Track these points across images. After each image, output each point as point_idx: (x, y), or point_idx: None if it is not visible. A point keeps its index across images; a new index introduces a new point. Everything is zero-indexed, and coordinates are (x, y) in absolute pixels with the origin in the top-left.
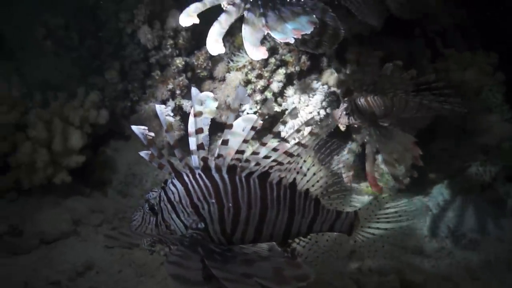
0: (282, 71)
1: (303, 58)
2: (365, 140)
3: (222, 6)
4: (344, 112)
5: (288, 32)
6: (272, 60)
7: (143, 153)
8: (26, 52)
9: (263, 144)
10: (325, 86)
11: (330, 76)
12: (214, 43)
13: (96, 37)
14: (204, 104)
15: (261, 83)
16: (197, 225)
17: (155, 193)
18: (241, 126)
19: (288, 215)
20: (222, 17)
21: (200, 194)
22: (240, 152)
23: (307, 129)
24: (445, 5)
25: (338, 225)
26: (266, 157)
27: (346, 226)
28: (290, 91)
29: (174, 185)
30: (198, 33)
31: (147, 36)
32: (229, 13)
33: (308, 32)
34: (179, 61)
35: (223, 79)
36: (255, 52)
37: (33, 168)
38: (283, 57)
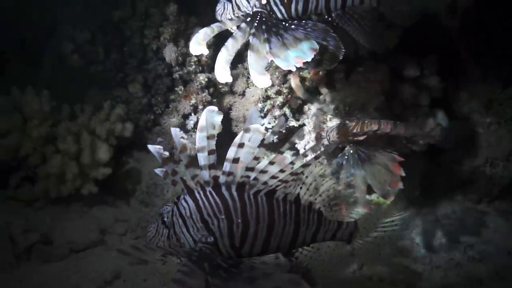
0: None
1: (321, 74)
2: (343, 164)
3: (230, 29)
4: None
5: (290, 60)
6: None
7: (158, 170)
8: (50, 62)
9: (272, 163)
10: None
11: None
12: (222, 71)
13: (120, 51)
14: (214, 122)
15: (280, 99)
16: (206, 239)
17: (169, 207)
18: (247, 137)
19: (293, 228)
20: (229, 43)
21: (210, 210)
22: (249, 169)
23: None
24: (450, 12)
25: (339, 234)
26: (273, 177)
27: (347, 235)
28: (307, 107)
29: (186, 201)
30: (220, 50)
31: (172, 54)
32: (235, 38)
33: (309, 59)
34: (202, 78)
35: (242, 94)
36: (260, 80)
37: (63, 179)
38: (300, 73)
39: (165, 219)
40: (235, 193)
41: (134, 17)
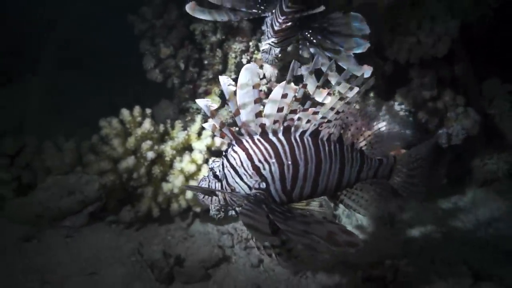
0: (371, 94)
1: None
2: None
3: None
4: None
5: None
6: None
7: (206, 125)
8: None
9: (311, 100)
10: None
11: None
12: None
13: (197, 64)
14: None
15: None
16: (259, 185)
17: (218, 162)
18: (280, 93)
19: (339, 166)
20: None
21: (261, 156)
22: (293, 111)
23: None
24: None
25: (381, 171)
26: (314, 113)
27: (387, 171)
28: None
29: (235, 151)
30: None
31: (274, 70)
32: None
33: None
34: None
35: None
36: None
37: (177, 197)
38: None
39: (217, 173)
40: (282, 137)
41: (215, 30)
